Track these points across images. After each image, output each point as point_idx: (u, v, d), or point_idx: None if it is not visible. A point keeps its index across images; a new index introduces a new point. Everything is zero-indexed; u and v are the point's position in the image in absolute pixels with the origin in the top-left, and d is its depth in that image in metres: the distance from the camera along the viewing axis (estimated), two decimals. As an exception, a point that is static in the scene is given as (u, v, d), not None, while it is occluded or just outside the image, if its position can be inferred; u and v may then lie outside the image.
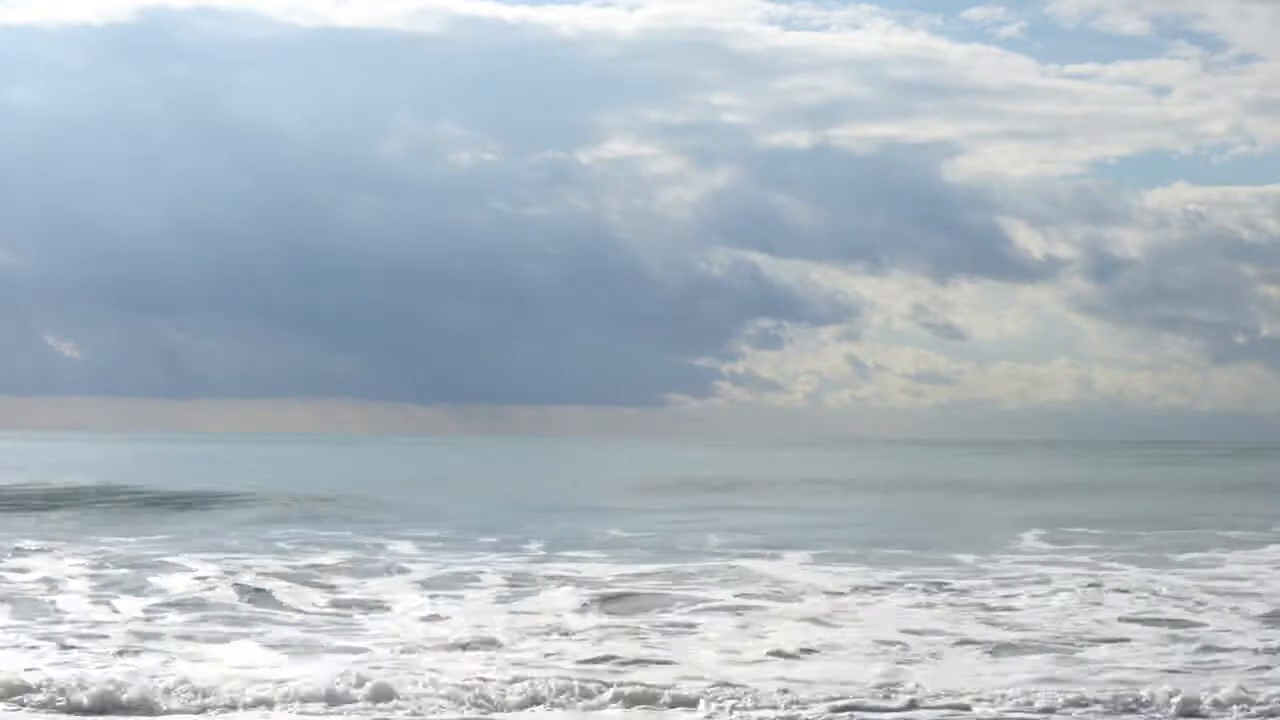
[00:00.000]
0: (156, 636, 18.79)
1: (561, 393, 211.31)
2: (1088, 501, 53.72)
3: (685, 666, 16.81)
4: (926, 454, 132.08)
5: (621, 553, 30.59)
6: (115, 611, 21.07)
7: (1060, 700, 15.07)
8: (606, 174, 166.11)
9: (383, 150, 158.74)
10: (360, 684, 15.17)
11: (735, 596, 22.99)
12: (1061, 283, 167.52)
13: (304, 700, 14.80)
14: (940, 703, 15.01)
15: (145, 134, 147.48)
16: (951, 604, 22.25)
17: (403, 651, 17.72)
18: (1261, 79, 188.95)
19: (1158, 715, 14.81)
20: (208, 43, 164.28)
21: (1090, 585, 24.16)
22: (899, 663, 17.17)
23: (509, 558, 29.31)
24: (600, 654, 17.58)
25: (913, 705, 14.97)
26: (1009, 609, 21.78)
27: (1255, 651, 18.14)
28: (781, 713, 14.64)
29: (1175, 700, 15.07)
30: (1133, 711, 14.88)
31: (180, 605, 21.69)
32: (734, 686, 15.50)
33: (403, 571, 26.64)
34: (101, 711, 14.55)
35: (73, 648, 17.70)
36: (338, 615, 21.15)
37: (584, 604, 22.07)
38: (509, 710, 14.76)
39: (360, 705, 14.74)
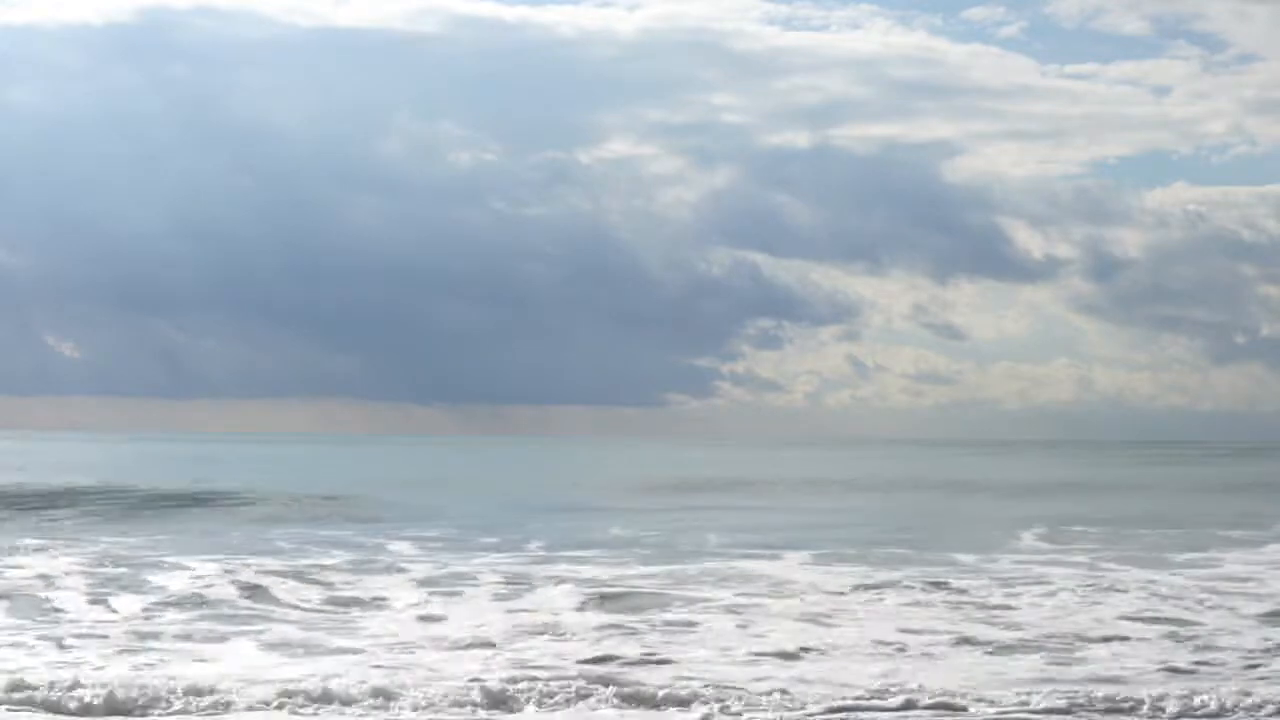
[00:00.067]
0: (155, 636, 18.79)
1: (561, 393, 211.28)
2: (1088, 501, 53.70)
3: (684, 666, 16.81)
4: (926, 454, 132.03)
5: (621, 553, 30.60)
6: (114, 611, 21.10)
7: (1059, 700, 15.06)
8: (606, 174, 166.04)
9: (383, 150, 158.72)
10: (360, 684, 15.17)
11: (735, 596, 23.00)
12: (1061, 283, 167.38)
13: (303, 700, 14.80)
14: (939, 702, 15.01)
15: (145, 134, 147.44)
16: (950, 604, 22.27)
17: (402, 651, 17.73)
18: (1261, 79, 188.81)
19: (1157, 715, 14.80)
20: (208, 43, 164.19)
21: (1090, 585, 24.16)
22: (898, 662, 17.17)
23: (508, 557, 29.32)
24: (599, 654, 17.58)
25: (911, 705, 14.96)
26: (1008, 609, 21.79)
27: (1254, 651, 18.15)
28: (781, 712, 14.64)
29: (1174, 700, 15.07)
30: (1132, 711, 14.87)
31: (179, 604, 21.72)
32: (733, 686, 15.50)
33: (402, 571, 26.64)
34: (100, 711, 14.53)
35: (71, 647, 17.71)
36: (337, 615, 21.16)
37: (583, 603, 22.09)
38: (508, 710, 14.76)
39: (360, 705, 14.74)
